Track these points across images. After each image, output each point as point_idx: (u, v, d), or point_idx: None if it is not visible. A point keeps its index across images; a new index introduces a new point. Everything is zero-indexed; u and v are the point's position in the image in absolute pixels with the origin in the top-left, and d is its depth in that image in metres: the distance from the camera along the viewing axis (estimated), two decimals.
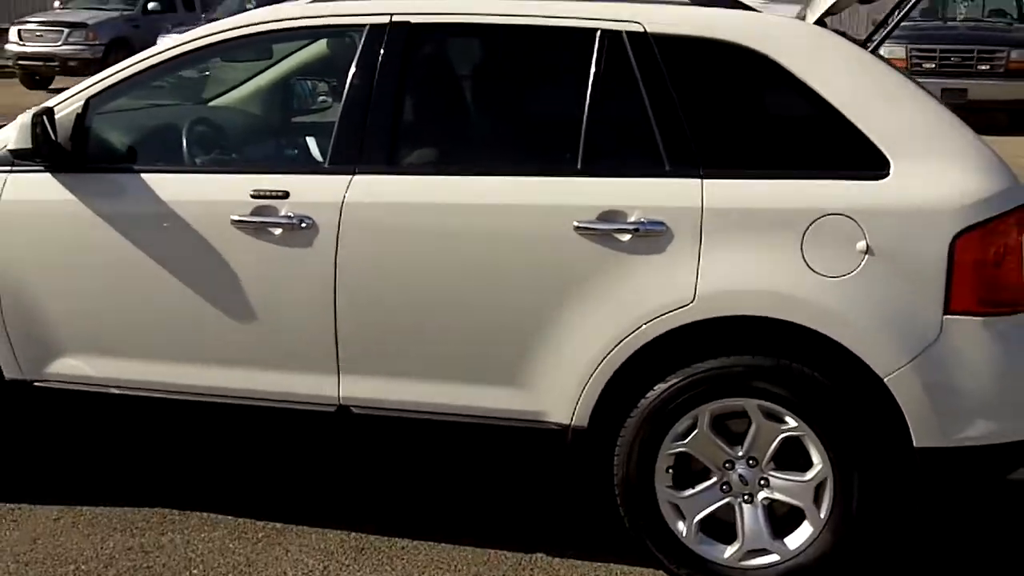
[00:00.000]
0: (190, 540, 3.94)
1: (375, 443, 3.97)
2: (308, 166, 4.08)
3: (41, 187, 3.95)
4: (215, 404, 3.92)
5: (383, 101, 3.74)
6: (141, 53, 4.08)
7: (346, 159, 3.74)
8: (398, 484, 4.43)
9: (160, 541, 3.93)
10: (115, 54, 20.63)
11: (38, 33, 20.53)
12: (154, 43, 19.98)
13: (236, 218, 3.76)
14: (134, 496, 4.24)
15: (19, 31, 20.64)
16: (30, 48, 20.48)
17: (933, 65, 14.45)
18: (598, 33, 3.64)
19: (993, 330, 3.37)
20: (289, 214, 3.72)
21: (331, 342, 3.75)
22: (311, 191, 3.74)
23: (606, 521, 3.84)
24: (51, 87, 20.96)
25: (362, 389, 3.78)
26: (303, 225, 3.70)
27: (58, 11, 21.99)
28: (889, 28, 3.90)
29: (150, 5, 21.62)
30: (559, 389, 3.60)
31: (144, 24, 21.27)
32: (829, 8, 3.66)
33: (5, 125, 4.02)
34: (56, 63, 20.38)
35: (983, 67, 15.11)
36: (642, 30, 3.62)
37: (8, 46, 20.77)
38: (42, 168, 3.94)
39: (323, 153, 3.86)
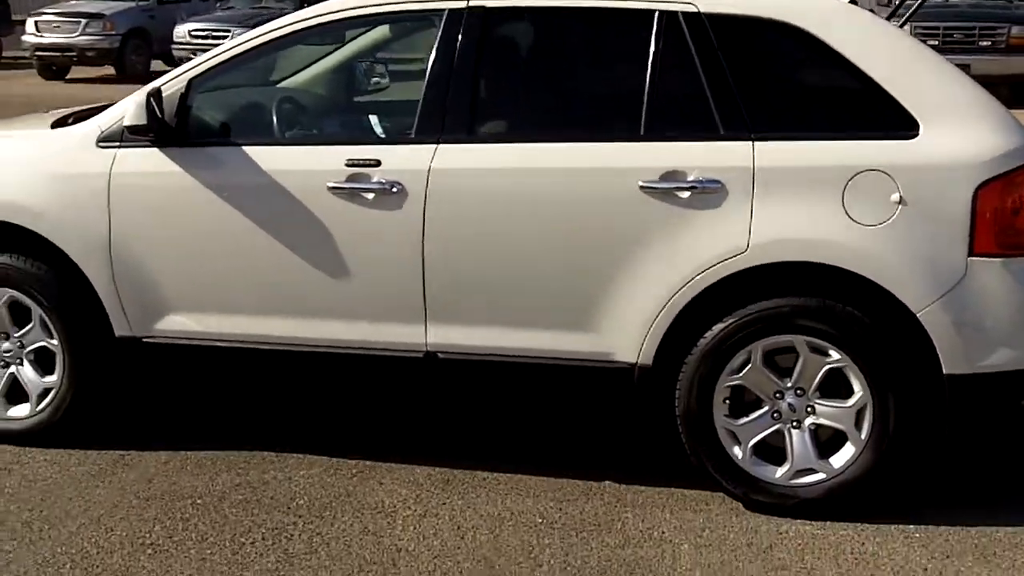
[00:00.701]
0: (291, 476, 4.38)
1: (459, 386, 4.39)
2: (397, 137, 4.50)
3: (149, 160, 4.38)
4: (312, 353, 4.35)
5: (463, 77, 4.18)
6: (239, 37, 4.49)
7: (431, 130, 4.17)
8: (479, 423, 4.88)
9: (264, 478, 4.37)
10: (132, 44, 21.09)
11: (55, 24, 20.90)
12: (170, 33, 20.50)
13: (332, 184, 4.20)
14: (234, 441, 4.68)
15: (36, 22, 21.02)
16: (47, 39, 20.86)
17: (936, 42, 14.83)
18: (656, 14, 4.08)
19: (1012, 269, 3.81)
20: (381, 180, 4.15)
21: (419, 294, 4.18)
22: (401, 159, 4.17)
23: (668, 450, 4.28)
24: (67, 77, 21.41)
25: (447, 336, 4.21)
26: (394, 190, 4.14)
27: (75, 2, 22.33)
28: (914, 7, 4.33)
29: None
30: (627, 331, 4.04)
31: (159, 14, 21.65)
32: None
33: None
34: (74, 53, 20.78)
35: (985, 43, 15.54)
36: (696, 10, 4.05)
37: (25, 37, 21.13)
38: (149, 143, 4.36)
39: (408, 125, 4.27)
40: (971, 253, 3.79)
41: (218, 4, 22.20)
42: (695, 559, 3.76)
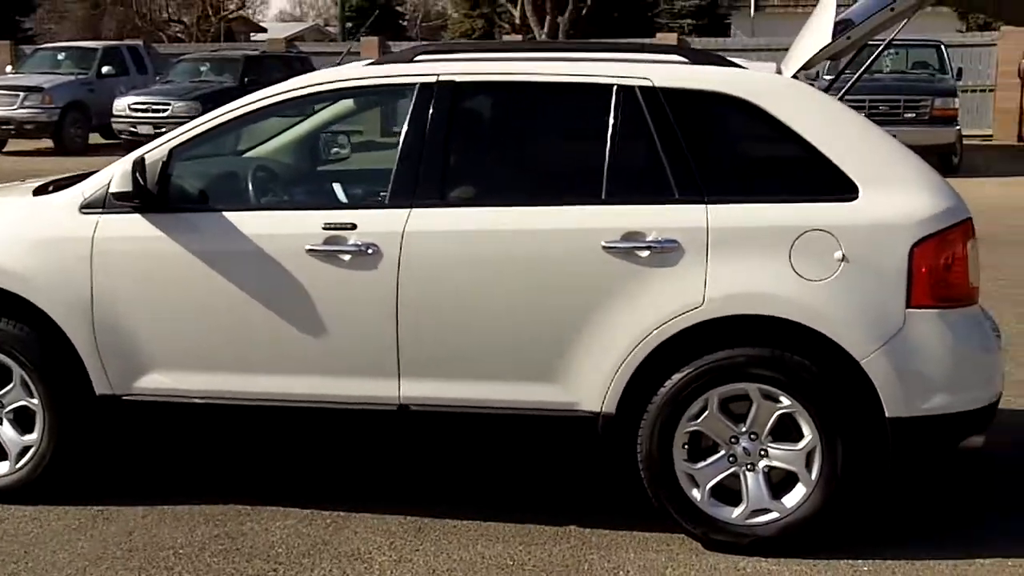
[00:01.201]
0: (268, 527, 4.55)
1: (431, 436, 4.61)
2: (371, 202, 4.74)
3: (132, 225, 4.57)
4: (290, 408, 4.55)
5: (435, 146, 4.45)
6: (214, 111, 4.71)
7: (404, 195, 4.43)
8: (448, 472, 5.08)
9: (242, 529, 4.53)
10: (71, 117, 21.16)
11: None
12: (109, 106, 20.60)
13: (310, 247, 4.42)
14: (210, 494, 4.83)
15: None
16: None
17: (864, 113, 15.46)
18: (614, 88, 4.39)
19: (946, 320, 4.14)
20: (357, 242, 4.39)
21: (393, 350, 4.41)
22: (376, 222, 4.42)
23: (629, 494, 4.52)
24: (5, 150, 21.42)
25: (419, 389, 4.43)
26: (369, 252, 4.38)
27: (12, 75, 22.40)
28: (851, 82, 4.70)
29: (104, 69, 22.08)
30: (591, 382, 4.29)
31: (99, 87, 21.77)
32: (803, 65, 4.46)
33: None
34: (12, 127, 20.82)
35: (909, 115, 16.27)
36: (651, 84, 4.37)
37: None
38: (132, 209, 4.56)
39: (382, 191, 4.52)
40: (909, 305, 4.11)
41: (157, 78, 22.40)
42: None
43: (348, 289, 4.43)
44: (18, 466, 4.76)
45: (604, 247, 4.23)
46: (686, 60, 4.54)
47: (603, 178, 4.33)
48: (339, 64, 5.32)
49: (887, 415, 4.12)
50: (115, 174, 4.49)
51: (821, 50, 4.53)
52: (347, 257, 4.41)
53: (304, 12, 70.08)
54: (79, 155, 20.71)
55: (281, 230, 4.51)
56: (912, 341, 4.11)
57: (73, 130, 21.39)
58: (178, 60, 23.14)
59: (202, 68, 22.27)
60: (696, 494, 4.31)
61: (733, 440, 4.27)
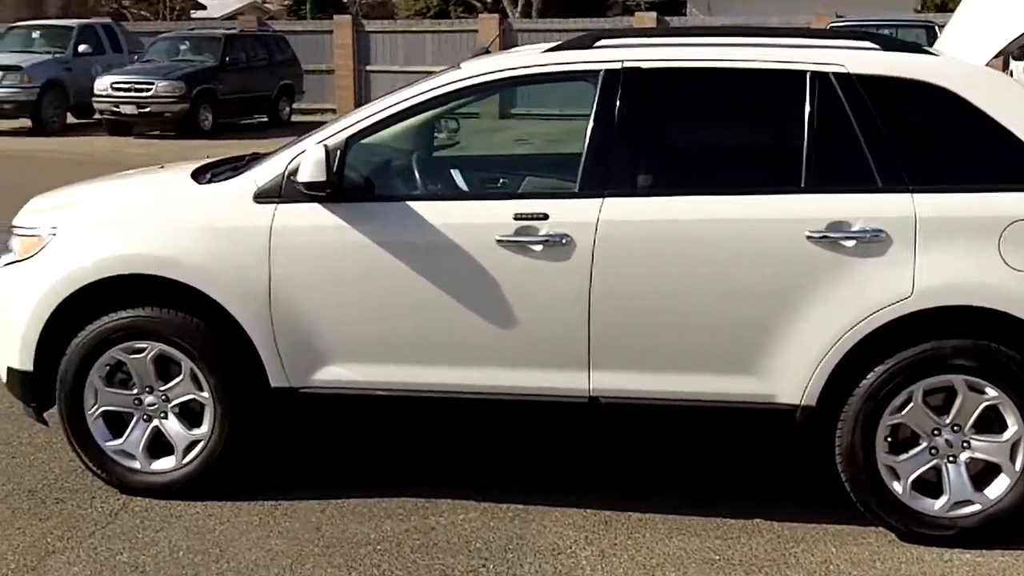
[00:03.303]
0: (453, 521, 4.47)
1: (620, 429, 4.55)
2: (561, 191, 4.66)
3: (312, 215, 4.46)
4: (473, 400, 4.47)
5: (624, 134, 4.38)
6: (390, 97, 4.60)
7: (596, 184, 4.36)
8: (614, 464, 5.03)
9: (428, 523, 4.46)
10: (49, 96, 20.71)
11: None
12: (86, 86, 20.16)
13: (500, 237, 4.34)
14: (368, 487, 4.74)
15: None
16: None
17: None
18: (808, 74, 4.35)
19: None
20: (550, 232, 4.31)
21: (584, 341, 4.34)
22: (569, 212, 4.34)
23: (822, 485, 4.51)
24: None
25: (611, 381, 4.38)
26: (563, 241, 4.30)
27: None
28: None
29: (80, 48, 21.59)
30: (791, 374, 4.27)
31: (76, 66, 21.31)
32: (998, 52, 4.45)
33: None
34: None
35: None
36: (846, 71, 4.34)
37: None
38: (310, 198, 4.44)
39: (571, 180, 4.45)
40: None
41: (135, 57, 21.95)
42: None
43: (539, 279, 4.36)
44: (185, 461, 4.64)
45: (808, 236, 4.20)
46: (878, 47, 4.51)
47: (802, 166, 4.29)
48: (484, 51, 5.24)
49: None
50: (301, 162, 4.36)
51: (1018, 37, 4.53)
52: (539, 248, 4.33)
53: None
54: (57, 135, 20.32)
55: (470, 220, 4.41)
56: None
57: (51, 110, 20.91)
58: (155, 39, 22.67)
59: (181, 47, 21.87)
60: (897, 487, 4.31)
61: (935, 432, 4.27)
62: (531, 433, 4.66)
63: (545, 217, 4.34)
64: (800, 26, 18.66)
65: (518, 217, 4.36)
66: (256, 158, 4.93)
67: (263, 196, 4.51)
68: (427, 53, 24.59)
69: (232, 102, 21.03)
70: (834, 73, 4.35)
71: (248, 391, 4.56)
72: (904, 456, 4.29)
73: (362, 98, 24.80)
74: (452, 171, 4.93)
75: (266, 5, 55.04)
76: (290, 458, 5.12)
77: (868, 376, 4.24)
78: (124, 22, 29.15)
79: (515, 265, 4.36)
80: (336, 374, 4.53)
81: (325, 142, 4.46)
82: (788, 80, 4.38)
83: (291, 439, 5.17)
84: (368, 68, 25.01)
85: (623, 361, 4.38)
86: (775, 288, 4.25)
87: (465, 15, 32.89)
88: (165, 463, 4.67)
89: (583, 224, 4.32)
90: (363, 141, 4.55)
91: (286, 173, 4.49)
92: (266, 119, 22.30)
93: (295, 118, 22.88)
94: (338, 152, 4.43)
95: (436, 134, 5.45)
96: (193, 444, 4.63)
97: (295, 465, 5.06)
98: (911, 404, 4.24)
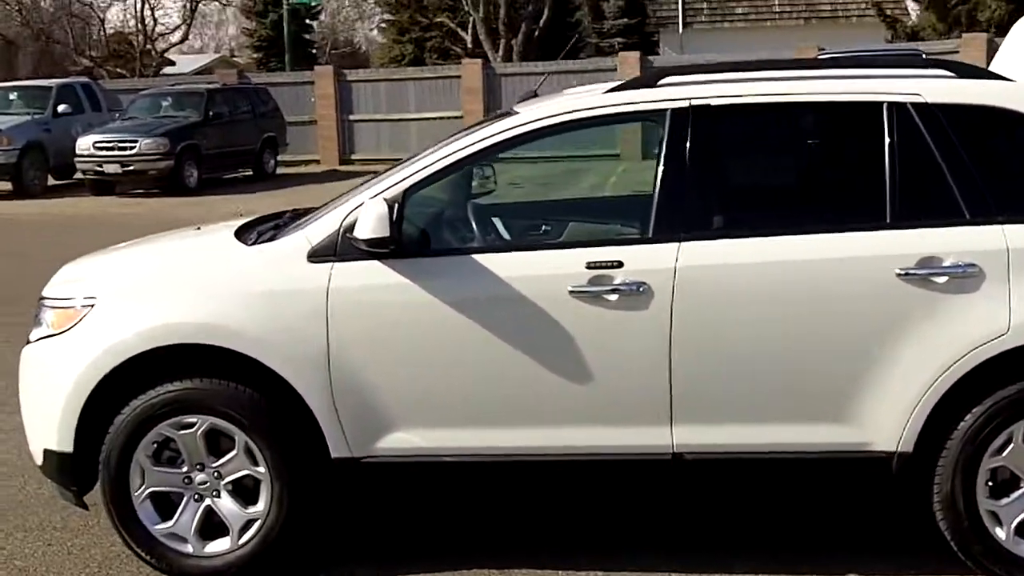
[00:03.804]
0: None
1: (706, 485, 4.31)
2: (633, 236, 4.45)
3: (371, 273, 4.22)
4: (549, 462, 4.23)
5: (697, 174, 4.18)
6: (445, 148, 4.38)
7: (670, 228, 4.15)
8: (705, 522, 4.78)
9: None
10: (30, 158, 20.42)
11: None
12: (66, 146, 19.87)
13: (573, 288, 4.12)
14: (448, 560, 4.48)
15: None
16: None
17: None
18: (884, 105, 4.17)
19: None
20: (626, 280, 4.10)
21: (665, 394, 4.12)
22: (644, 259, 4.13)
23: (916, 535, 4.29)
24: None
25: (695, 436, 4.15)
26: (640, 290, 4.09)
27: None
28: None
29: (60, 107, 21.31)
30: (886, 420, 4.05)
31: (55, 126, 21.00)
32: None
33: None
34: None
35: None
36: (923, 100, 4.16)
37: None
38: (367, 255, 4.21)
39: (644, 224, 4.24)
40: None
41: (116, 115, 21.68)
42: None
43: (615, 331, 4.14)
44: (241, 541, 4.35)
45: (899, 274, 4.00)
46: (952, 74, 4.34)
47: (886, 200, 4.10)
48: (533, 94, 5.04)
49: None
50: (360, 218, 4.12)
51: None
52: (614, 297, 4.11)
53: (205, 43, 68.91)
54: (39, 197, 20.03)
55: (539, 271, 4.19)
56: None
57: (32, 172, 20.60)
58: (136, 96, 22.44)
59: (163, 103, 21.62)
60: (1000, 533, 4.09)
61: None
62: (612, 493, 4.39)
63: (620, 265, 4.13)
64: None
65: (591, 266, 4.14)
66: (299, 214, 4.70)
67: (317, 255, 4.28)
68: (410, 101, 24.48)
69: (217, 156, 20.79)
70: (912, 103, 4.17)
71: (307, 463, 4.30)
72: (1006, 500, 4.08)
73: (346, 148, 24.68)
74: (523, 220, 4.69)
75: (235, 59, 55.07)
76: (355, 531, 4.84)
77: (966, 418, 4.04)
78: (100, 80, 28.86)
79: (590, 317, 4.14)
80: (401, 441, 4.28)
81: (383, 195, 4.24)
82: (863, 112, 4.21)
83: (355, 510, 4.89)
84: (351, 117, 24.84)
85: (707, 414, 4.15)
86: (866, 330, 4.04)
87: (440, 61, 32.93)
88: (220, 545, 4.38)
89: (660, 271, 4.11)
90: (427, 191, 4.34)
91: (341, 230, 4.26)
92: (251, 172, 22.07)
93: (280, 170, 22.67)
94: (395, 205, 4.21)
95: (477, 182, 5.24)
96: (249, 523, 4.35)
97: (360, 539, 4.78)
98: (1011, 445, 4.04)
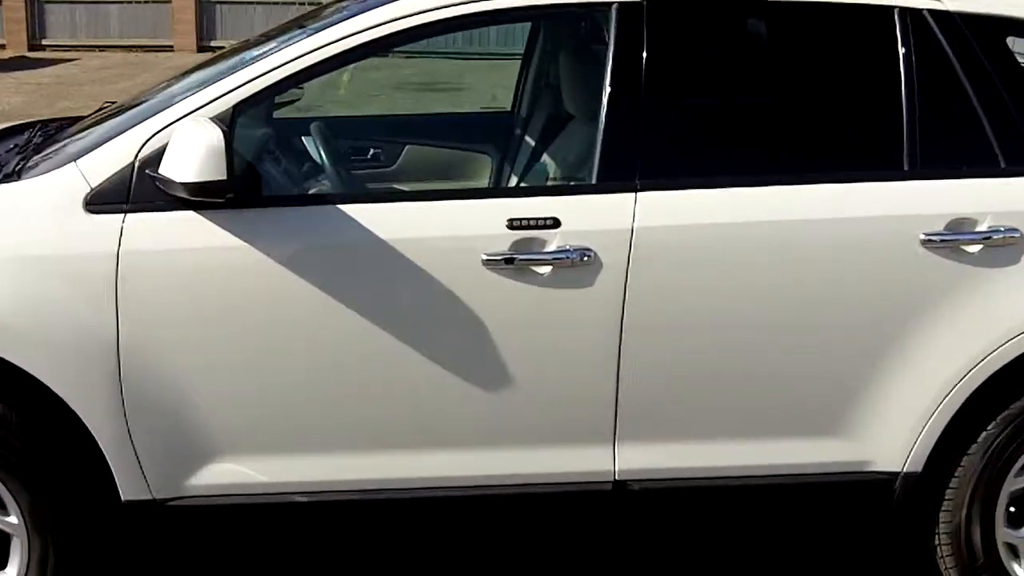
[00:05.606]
0: None
1: (656, 519, 3.20)
2: (575, 184, 3.19)
3: (186, 230, 2.80)
4: (447, 498, 3.00)
5: (659, 97, 2.99)
6: (302, 43, 2.95)
7: (622, 173, 2.95)
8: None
9: None
10: None
11: None
12: None
13: (488, 256, 2.87)
14: None
15: None
16: None
17: None
18: (896, 10, 3.10)
19: None
20: (563, 246, 2.88)
21: (610, 402, 2.97)
22: (588, 216, 2.91)
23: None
24: None
25: (644, 459, 3.03)
26: (583, 259, 2.88)
27: None
28: None
29: None
30: (891, 433, 3.07)
31: None
32: None
33: None
34: None
35: None
36: (943, 8, 3.12)
37: None
38: (183, 205, 2.79)
39: (585, 169, 3.02)
40: None
41: None
42: None
43: (546, 317, 2.93)
44: None
45: (924, 241, 2.98)
46: None
47: (903, 142, 3.06)
48: None
49: None
50: (173, 148, 2.67)
51: None
52: (546, 270, 2.89)
53: None
54: None
55: (440, 231, 2.90)
56: None
57: None
58: None
59: None
60: (1017, 568, 3.21)
61: None
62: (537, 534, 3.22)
63: (556, 224, 2.90)
64: None
65: (514, 225, 2.89)
66: (56, 129, 3.20)
67: (100, 201, 2.81)
68: None
69: None
70: (929, 9, 3.12)
71: (83, 510, 2.88)
72: None
73: (36, 32, 21.68)
74: (388, 149, 3.32)
75: None
76: None
77: (990, 428, 3.11)
78: None
79: (511, 296, 2.90)
80: (230, 475, 2.93)
81: (204, 114, 2.80)
82: (866, 19, 3.12)
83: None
84: None
85: (664, 429, 3.04)
86: (875, 316, 3.01)
87: None
88: None
89: (611, 232, 2.91)
90: (262, 112, 2.95)
91: (137, 164, 2.81)
92: None
93: None
94: (225, 132, 2.78)
95: None
96: None
97: None
98: None
